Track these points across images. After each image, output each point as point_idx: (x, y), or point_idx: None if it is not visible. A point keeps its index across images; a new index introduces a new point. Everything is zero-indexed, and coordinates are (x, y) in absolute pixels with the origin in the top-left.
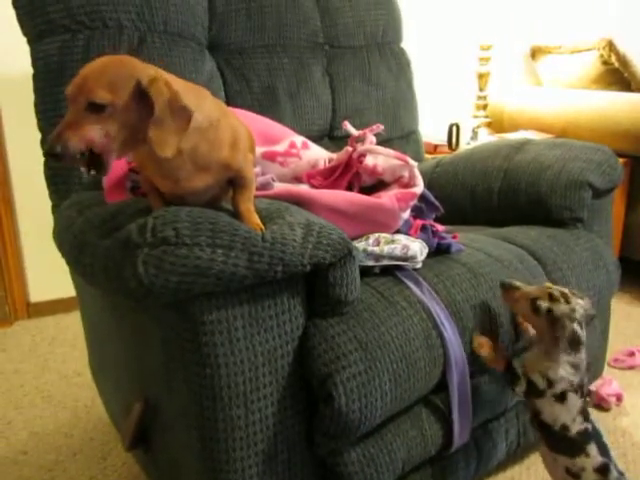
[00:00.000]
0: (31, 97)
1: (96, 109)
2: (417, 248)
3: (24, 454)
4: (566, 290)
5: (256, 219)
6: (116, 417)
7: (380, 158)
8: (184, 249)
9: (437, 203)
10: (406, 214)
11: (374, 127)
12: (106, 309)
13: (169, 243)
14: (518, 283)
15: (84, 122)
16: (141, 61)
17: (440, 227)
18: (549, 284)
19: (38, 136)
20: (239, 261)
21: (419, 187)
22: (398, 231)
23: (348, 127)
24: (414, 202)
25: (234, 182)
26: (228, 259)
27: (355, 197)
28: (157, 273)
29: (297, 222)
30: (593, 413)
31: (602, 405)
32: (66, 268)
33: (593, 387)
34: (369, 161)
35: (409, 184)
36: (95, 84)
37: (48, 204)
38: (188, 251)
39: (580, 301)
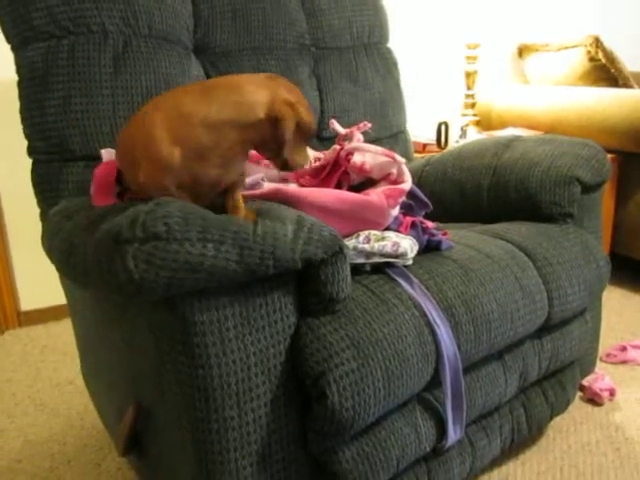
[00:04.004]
0: (16, 103)
1: None
2: (407, 245)
3: (18, 462)
4: None
5: (246, 212)
6: (109, 423)
7: (368, 155)
8: (175, 244)
9: (426, 199)
10: (395, 211)
11: (361, 125)
12: (97, 314)
13: (160, 238)
14: None
15: None
16: None
17: (430, 224)
18: None
19: (25, 143)
20: (230, 255)
21: (407, 183)
22: (388, 228)
23: (335, 125)
24: (403, 198)
25: None
26: (219, 254)
27: (344, 195)
28: (147, 268)
29: (288, 219)
30: (586, 409)
31: (595, 400)
32: (56, 276)
33: (585, 382)
34: (357, 159)
35: (397, 181)
36: None
37: (36, 212)
38: (179, 246)
39: None
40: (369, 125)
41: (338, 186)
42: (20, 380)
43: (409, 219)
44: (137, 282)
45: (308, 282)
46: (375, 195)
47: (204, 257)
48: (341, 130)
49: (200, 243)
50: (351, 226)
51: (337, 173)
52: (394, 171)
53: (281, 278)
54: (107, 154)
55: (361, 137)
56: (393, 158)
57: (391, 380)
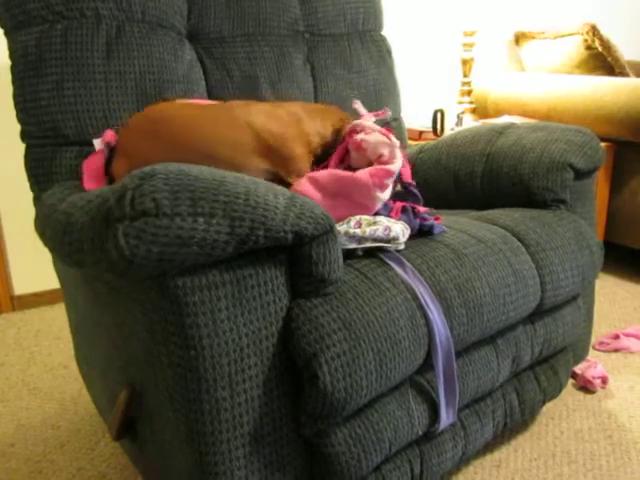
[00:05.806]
0: (9, 89)
1: None
2: (399, 229)
3: (11, 446)
4: None
5: None
6: (103, 408)
7: (370, 135)
8: (165, 220)
9: (418, 193)
10: (384, 195)
11: (380, 112)
12: (89, 297)
13: (149, 214)
14: None
15: None
16: None
17: (422, 208)
18: None
19: (18, 128)
20: (221, 228)
21: (395, 165)
22: (378, 214)
23: (357, 106)
24: (390, 180)
25: None
26: (210, 227)
27: (332, 171)
28: (138, 244)
29: (281, 193)
30: (579, 396)
31: (587, 387)
32: (50, 260)
33: (578, 370)
34: (359, 136)
35: (388, 163)
36: None
37: (29, 196)
38: (170, 221)
39: None
40: (389, 112)
41: (341, 162)
42: (14, 364)
43: (399, 204)
44: (128, 258)
45: (300, 263)
46: (361, 172)
47: (195, 231)
48: (363, 111)
49: (191, 217)
50: (340, 207)
51: (342, 145)
52: (386, 153)
53: (273, 258)
54: (99, 144)
55: (372, 119)
56: (388, 138)
57: (383, 362)
